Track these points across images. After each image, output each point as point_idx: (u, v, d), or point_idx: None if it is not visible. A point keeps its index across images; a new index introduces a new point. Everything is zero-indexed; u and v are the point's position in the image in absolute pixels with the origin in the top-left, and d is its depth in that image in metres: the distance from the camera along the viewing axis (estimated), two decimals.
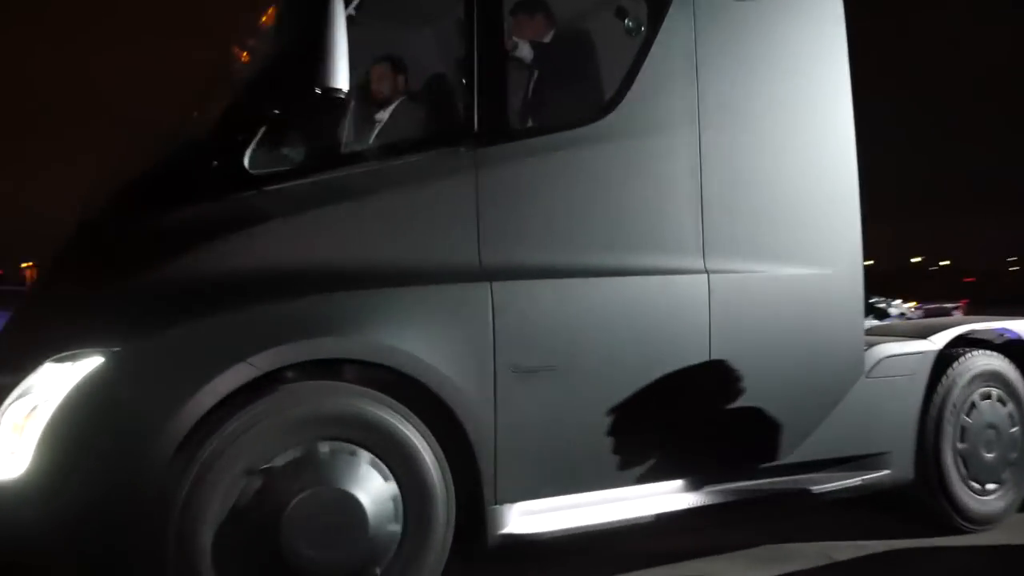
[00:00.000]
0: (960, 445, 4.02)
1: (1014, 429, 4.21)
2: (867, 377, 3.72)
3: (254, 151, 2.73)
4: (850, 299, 3.69)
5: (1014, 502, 4.20)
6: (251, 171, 2.73)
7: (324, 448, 2.63)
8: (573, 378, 3.03)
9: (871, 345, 3.86)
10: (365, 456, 2.68)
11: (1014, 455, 4.18)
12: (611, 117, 3.21)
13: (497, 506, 2.89)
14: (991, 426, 4.13)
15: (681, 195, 3.31)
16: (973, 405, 4.09)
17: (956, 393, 4.01)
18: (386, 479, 2.70)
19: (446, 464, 2.81)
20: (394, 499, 2.70)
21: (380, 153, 3.11)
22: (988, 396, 4.16)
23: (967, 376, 4.07)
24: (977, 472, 4.06)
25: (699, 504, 3.33)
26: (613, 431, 3.08)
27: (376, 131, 3.51)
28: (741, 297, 3.38)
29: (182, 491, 2.43)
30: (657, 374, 3.19)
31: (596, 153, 3.18)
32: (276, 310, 2.67)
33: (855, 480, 3.71)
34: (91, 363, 2.45)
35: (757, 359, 3.39)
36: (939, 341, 4.07)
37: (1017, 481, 4.18)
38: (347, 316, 2.77)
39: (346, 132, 3.30)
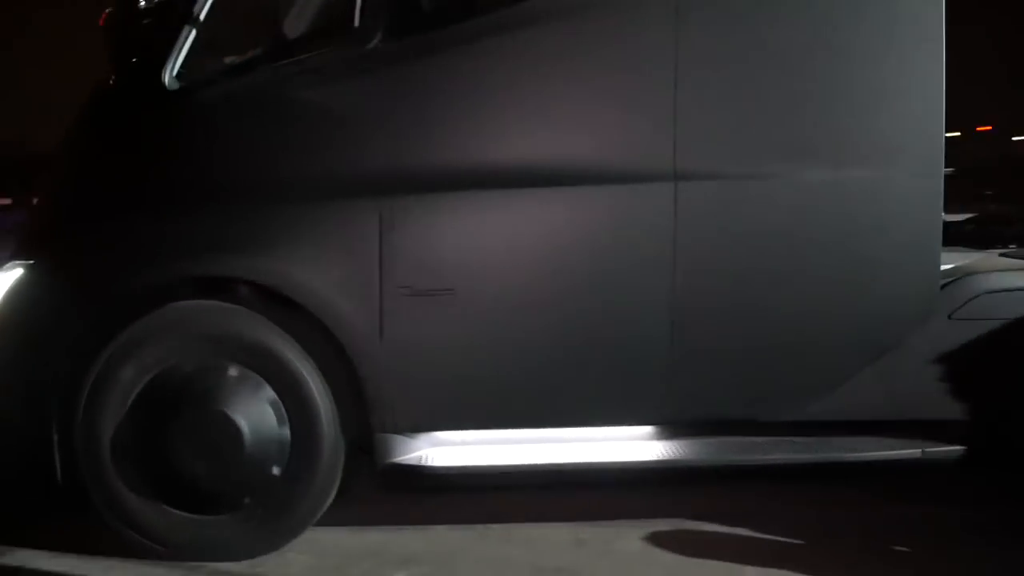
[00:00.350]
0: None
1: None
2: (950, 319, 3.03)
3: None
4: (914, 210, 2.93)
5: None
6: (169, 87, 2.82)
7: (206, 364, 2.78)
8: (476, 303, 2.82)
9: (962, 276, 3.14)
10: (248, 377, 2.77)
11: None
12: None
13: (384, 435, 2.82)
14: None
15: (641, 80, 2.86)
16: None
17: None
18: (270, 401, 2.78)
19: (328, 389, 2.81)
20: (279, 421, 2.79)
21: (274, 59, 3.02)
22: None
23: None
24: None
25: (659, 459, 2.98)
26: (529, 365, 2.85)
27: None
28: (720, 208, 2.87)
29: (84, 391, 2.75)
30: (590, 302, 2.86)
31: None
32: (165, 226, 2.81)
33: (913, 452, 3.02)
34: (14, 274, 2.81)
35: (743, 284, 2.88)
36: None
37: None
38: (235, 234, 2.81)
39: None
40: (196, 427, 2.71)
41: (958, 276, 3.12)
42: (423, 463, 2.87)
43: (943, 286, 3.01)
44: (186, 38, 2.78)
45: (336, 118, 2.79)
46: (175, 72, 2.79)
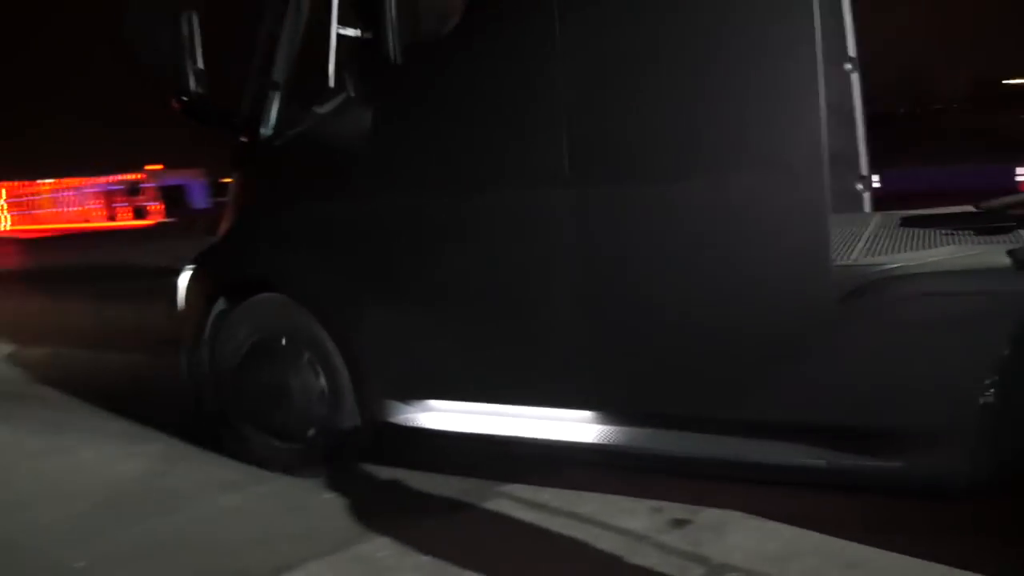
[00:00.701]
0: None
1: None
2: (864, 317, 2.64)
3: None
4: (797, 212, 2.69)
5: None
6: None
7: (279, 339, 3.77)
8: (417, 296, 3.39)
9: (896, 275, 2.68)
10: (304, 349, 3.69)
11: None
12: None
13: (383, 400, 3.49)
14: None
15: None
16: None
17: None
18: (314, 366, 3.65)
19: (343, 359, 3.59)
20: (320, 381, 3.64)
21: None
22: None
23: None
24: None
25: (599, 442, 3.07)
26: (470, 350, 3.32)
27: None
28: (613, 212, 2.97)
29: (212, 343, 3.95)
30: (510, 296, 3.20)
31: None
32: (255, 240, 3.93)
33: (818, 462, 2.69)
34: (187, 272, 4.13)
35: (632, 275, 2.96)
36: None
37: None
38: (273, 245, 3.82)
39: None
40: (274, 376, 3.71)
41: (894, 275, 2.68)
42: (409, 424, 3.43)
43: (869, 284, 2.65)
44: (271, 101, 3.63)
45: (346, 149, 3.48)
46: (266, 127, 3.64)
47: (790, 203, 2.68)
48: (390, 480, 3.63)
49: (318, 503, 3.47)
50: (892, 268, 2.72)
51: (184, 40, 3.51)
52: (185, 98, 3.57)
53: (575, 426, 3.14)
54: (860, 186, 4.13)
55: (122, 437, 4.49)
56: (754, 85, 2.73)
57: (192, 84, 3.55)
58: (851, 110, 4.07)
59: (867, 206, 4.14)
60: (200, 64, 3.56)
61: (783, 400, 2.76)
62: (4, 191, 39.34)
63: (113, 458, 4.19)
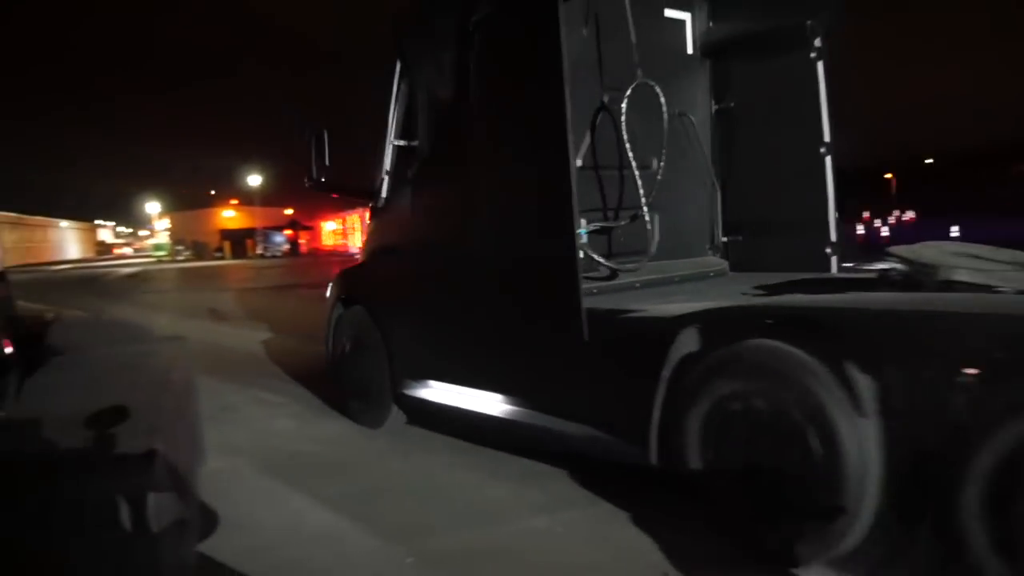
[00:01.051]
0: None
1: None
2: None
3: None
4: (548, 249, 3.81)
5: None
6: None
7: (362, 336, 5.64)
8: (416, 316, 4.98)
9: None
10: (371, 343, 5.51)
11: None
12: None
13: (403, 378, 5.10)
14: None
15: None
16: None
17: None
18: (376, 354, 5.40)
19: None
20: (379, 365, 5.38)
21: None
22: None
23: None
24: None
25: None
26: (432, 350, 4.91)
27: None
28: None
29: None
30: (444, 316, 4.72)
31: None
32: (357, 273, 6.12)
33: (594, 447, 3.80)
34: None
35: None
36: None
37: None
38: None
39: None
40: (358, 359, 5.58)
41: (611, 315, 3.69)
42: (415, 395, 4.97)
43: (599, 322, 3.55)
44: (380, 183, 5.36)
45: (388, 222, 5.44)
46: (380, 199, 5.41)
47: (552, 267, 3.67)
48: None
49: (621, 536, 3.45)
50: (614, 310, 3.73)
51: (314, 145, 5.30)
52: (309, 182, 5.41)
53: (487, 401, 4.39)
54: (829, 250, 4.83)
55: (451, 448, 4.87)
56: (515, 190, 4.03)
57: (314, 173, 5.35)
58: (824, 185, 4.82)
59: (834, 268, 4.81)
60: (326, 160, 5.29)
61: (562, 398, 3.96)
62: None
63: (443, 467, 4.55)
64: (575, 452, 3.95)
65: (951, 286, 3.15)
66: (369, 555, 3.41)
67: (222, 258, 37.28)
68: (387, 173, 5.17)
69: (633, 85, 4.40)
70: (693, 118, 5.04)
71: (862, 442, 2.68)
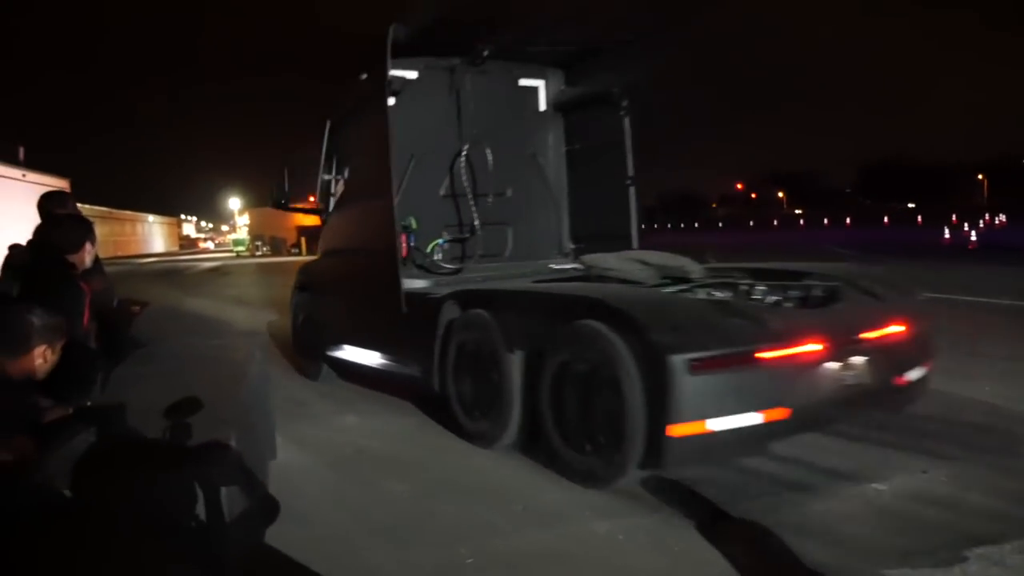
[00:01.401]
0: None
1: None
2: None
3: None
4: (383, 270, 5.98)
5: None
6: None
7: (309, 313, 7.72)
8: (334, 299, 6.95)
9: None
10: (311, 321, 7.64)
11: None
12: None
13: (327, 344, 7.01)
14: None
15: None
16: None
17: None
18: (314, 325, 7.53)
19: None
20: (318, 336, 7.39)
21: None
22: None
23: None
24: None
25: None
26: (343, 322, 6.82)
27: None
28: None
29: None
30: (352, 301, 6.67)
31: None
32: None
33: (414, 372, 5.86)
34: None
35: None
36: None
37: None
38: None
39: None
40: (306, 325, 7.67)
41: (415, 292, 5.75)
42: (333, 355, 6.88)
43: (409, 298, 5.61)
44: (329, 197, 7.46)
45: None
46: (328, 209, 7.43)
47: (386, 263, 5.69)
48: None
49: (683, 544, 3.41)
50: (419, 292, 5.72)
51: (283, 177, 7.32)
52: (273, 203, 7.52)
53: (367, 356, 6.34)
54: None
55: (510, 450, 4.88)
56: (371, 214, 6.10)
57: (278, 197, 7.37)
58: (628, 208, 6.79)
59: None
60: (287, 187, 7.31)
61: (398, 350, 5.93)
62: None
63: (503, 467, 4.59)
64: (408, 384, 5.81)
65: (606, 280, 5.24)
66: (429, 553, 3.46)
67: (299, 254, 38.31)
68: (323, 196, 7.47)
69: (469, 143, 6.56)
70: (542, 158, 7.15)
71: (512, 367, 4.62)
